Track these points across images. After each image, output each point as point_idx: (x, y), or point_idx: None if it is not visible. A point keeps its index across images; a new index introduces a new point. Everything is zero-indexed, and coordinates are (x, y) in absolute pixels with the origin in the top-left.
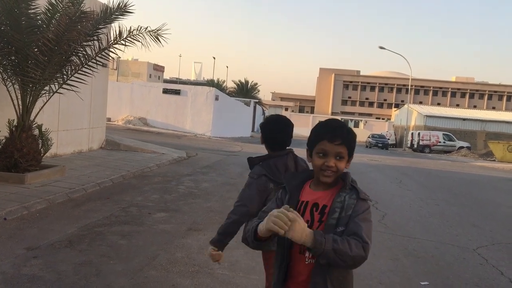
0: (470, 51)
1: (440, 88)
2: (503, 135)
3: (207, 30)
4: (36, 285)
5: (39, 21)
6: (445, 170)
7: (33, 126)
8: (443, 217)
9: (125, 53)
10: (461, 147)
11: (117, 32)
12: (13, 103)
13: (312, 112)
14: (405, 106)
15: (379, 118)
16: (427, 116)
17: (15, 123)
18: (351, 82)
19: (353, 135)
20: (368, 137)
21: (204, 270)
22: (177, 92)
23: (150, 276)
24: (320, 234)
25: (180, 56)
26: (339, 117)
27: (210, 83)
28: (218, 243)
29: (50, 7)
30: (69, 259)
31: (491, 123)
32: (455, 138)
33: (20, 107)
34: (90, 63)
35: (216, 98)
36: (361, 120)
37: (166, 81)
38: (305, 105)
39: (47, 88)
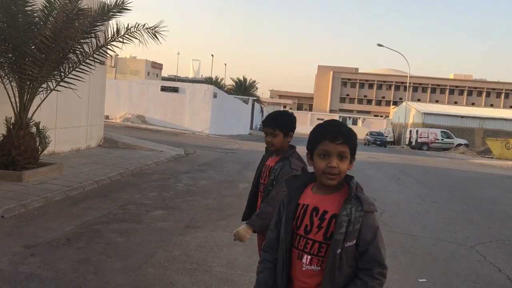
0: (468, 48)
1: (438, 85)
2: (501, 133)
3: (205, 27)
4: (33, 283)
5: (36, 18)
6: (443, 168)
7: (31, 123)
8: (441, 214)
9: (123, 50)
10: (459, 145)
11: (115, 29)
12: (10, 100)
13: (310, 109)
14: (403, 103)
15: (377, 116)
16: (425, 113)
17: (12, 120)
18: (349, 79)
19: (354, 135)
20: (367, 134)
21: (202, 267)
22: (175, 90)
23: (148, 273)
24: None
25: (178, 53)
26: (337, 115)
27: (208, 80)
28: (255, 226)
29: (47, 4)
30: (67, 257)
31: (489, 121)
32: (453, 136)
33: (18, 104)
34: (87, 61)
35: (214, 96)
36: (360, 118)
37: (164, 78)
38: (303, 102)
39: (44, 85)
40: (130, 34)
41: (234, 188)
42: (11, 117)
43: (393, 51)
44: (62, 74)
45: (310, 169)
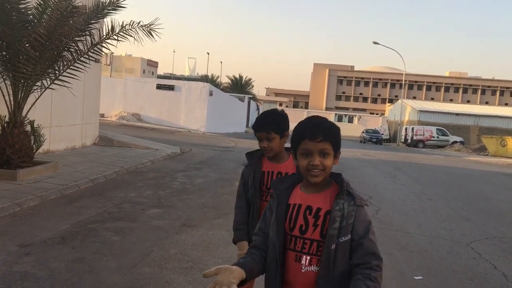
0: (464, 46)
1: (434, 83)
2: (496, 130)
3: (201, 25)
4: (28, 282)
5: (30, 16)
6: (438, 165)
7: (25, 122)
8: (436, 211)
9: (118, 48)
10: (455, 142)
11: (110, 27)
12: (4, 99)
13: (306, 107)
14: (399, 101)
15: (373, 113)
16: (420, 111)
17: (6, 119)
18: (345, 77)
19: (336, 129)
20: (362, 132)
21: (198, 266)
22: (171, 88)
23: (144, 272)
24: None
25: (174, 51)
26: (333, 112)
27: (204, 78)
28: None
29: (41, 2)
30: (62, 256)
31: (484, 118)
32: (448, 133)
33: (12, 103)
34: (82, 59)
35: (210, 94)
36: (355, 116)
37: (160, 76)
38: (299, 100)
39: (39, 83)
40: (125, 32)
41: (230, 186)
42: (5, 116)
43: (388, 49)
44: (57, 72)
45: None
